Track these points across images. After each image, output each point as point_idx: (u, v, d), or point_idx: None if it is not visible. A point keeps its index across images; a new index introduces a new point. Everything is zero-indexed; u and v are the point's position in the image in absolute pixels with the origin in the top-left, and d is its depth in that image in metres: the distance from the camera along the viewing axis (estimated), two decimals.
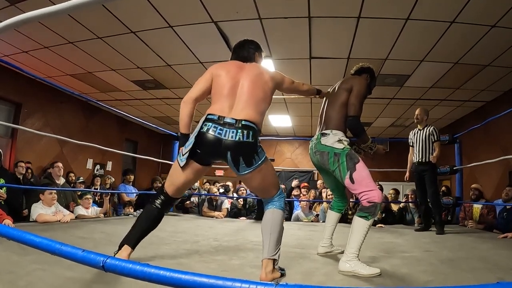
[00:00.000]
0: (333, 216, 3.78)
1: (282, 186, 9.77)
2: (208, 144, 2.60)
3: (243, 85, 2.78)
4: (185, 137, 2.79)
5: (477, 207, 7.08)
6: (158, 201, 2.84)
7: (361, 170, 3.05)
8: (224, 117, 2.62)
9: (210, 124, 2.61)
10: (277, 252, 2.64)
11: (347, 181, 3.07)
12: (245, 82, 2.80)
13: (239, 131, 2.58)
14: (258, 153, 2.66)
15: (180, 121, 2.88)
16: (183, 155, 2.66)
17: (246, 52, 3.11)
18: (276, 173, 2.95)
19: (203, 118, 2.66)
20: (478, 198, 7.05)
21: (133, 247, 2.76)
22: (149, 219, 2.83)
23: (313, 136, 3.56)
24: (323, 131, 3.39)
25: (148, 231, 2.84)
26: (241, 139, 2.57)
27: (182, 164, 2.66)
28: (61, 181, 7.09)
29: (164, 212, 2.89)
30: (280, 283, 0.90)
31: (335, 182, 3.61)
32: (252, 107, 2.71)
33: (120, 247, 2.76)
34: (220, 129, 2.58)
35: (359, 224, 2.93)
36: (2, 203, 5.63)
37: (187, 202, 8.82)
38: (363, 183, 3.00)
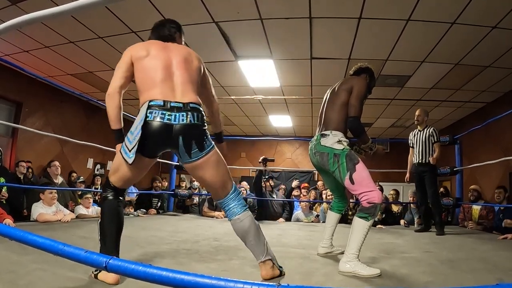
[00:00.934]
0: (333, 216, 3.78)
1: (282, 186, 9.82)
2: (157, 133, 2.41)
3: (177, 67, 2.62)
4: (120, 132, 2.62)
5: (476, 208, 7.09)
6: (110, 193, 2.59)
7: (361, 171, 3.04)
8: (169, 101, 2.45)
9: (156, 110, 2.41)
10: (267, 250, 2.59)
11: (347, 182, 3.07)
12: (176, 62, 2.64)
13: (189, 113, 2.45)
14: (208, 136, 2.57)
15: (109, 117, 2.61)
16: (129, 150, 2.43)
17: (167, 30, 2.91)
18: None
19: (144, 106, 2.45)
20: (477, 199, 7.06)
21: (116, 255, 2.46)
22: (114, 214, 2.55)
23: (313, 136, 3.56)
24: (323, 132, 3.39)
25: (120, 229, 2.56)
26: (192, 121, 2.44)
27: (130, 161, 2.42)
28: (59, 180, 7.08)
29: (121, 200, 2.65)
30: (282, 284, 0.90)
31: (335, 182, 3.61)
32: (193, 89, 2.61)
33: None
34: (169, 115, 2.41)
35: (359, 224, 2.94)
36: (4, 202, 5.64)
37: (187, 199, 8.83)
38: (363, 183, 3.00)
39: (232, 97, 10.42)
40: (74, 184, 8.19)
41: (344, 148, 3.18)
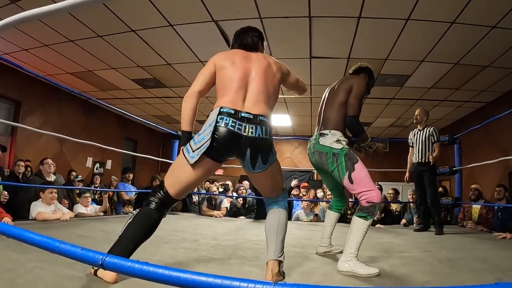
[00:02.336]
0: (332, 216, 3.78)
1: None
2: (226, 139, 2.37)
3: (254, 78, 2.61)
4: (188, 135, 2.54)
5: (476, 207, 7.09)
6: (156, 202, 2.45)
7: (360, 170, 3.04)
8: (240, 111, 2.43)
9: (227, 118, 2.38)
10: (283, 253, 2.58)
11: (345, 181, 3.07)
12: (255, 74, 2.63)
13: (258, 127, 2.43)
14: (273, 149, 2.60)
15: (182, 118, 2.57)
16: (193, 150, 2.37)
17: (250, 39, 2.93)
18: None
19: (215, 111, 2.42)
20: (478, 198, 7.05)
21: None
22: (146, 225, 2.43)
23: (312, 136, 3.56)
24: (322, 131, 3.38)
25: (144, 239, 2.44)
26: (261, 135, 2.44)
27: (193, 160, 2.35)
28: (52, 178, 7.06)
29: (163, 216, 2.52)
30: (279, 281, 0.90)
31: (334, 182, 3.61)
32: (265, 101, 2.57)
33: None
34: (239, 124, 2.39)
35: (358, 224, 2.93)
36: (4, 202, 5.64)
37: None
38: (362, 183, 3.00)
39: None
40: (73, 183, 8.17)
41: (343, 148, 3.17)
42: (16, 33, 6.87)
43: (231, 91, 2.50)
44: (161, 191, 2.46)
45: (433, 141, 6.21)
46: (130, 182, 9.30)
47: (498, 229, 6.04)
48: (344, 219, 7.11)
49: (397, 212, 8.07)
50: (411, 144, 6.55)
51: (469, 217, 7.13)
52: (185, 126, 2.56)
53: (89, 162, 12.24)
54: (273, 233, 2.60)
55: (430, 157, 6.11)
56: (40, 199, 5.63)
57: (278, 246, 2.55)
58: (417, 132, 6.42)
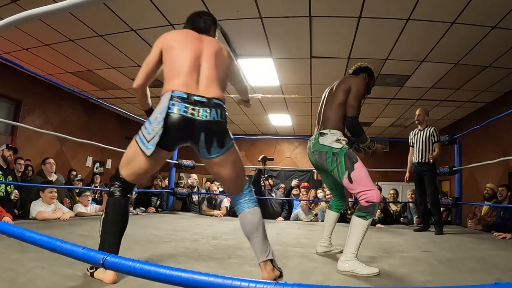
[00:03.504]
0: (331, 215, 3.78)
1: (282, 185, 9.81)
2: (179, 127, 2.30)
3: (206, 59, 2.53)
4: (151, 110, 2.54)
5: (485, 207, 7.07)
6: (119, 190, 2.44)
7: (360, 170, 3.04)
8: (193, 94, 2.34)
9: (179, 103, 2.30)
10: (269, 250, 2.50)
11: (345, 181, 3.06)
12: (207, 55, 2.55)
13: (213, 110, 2.36)
14: (229, 133, 2.49)
15: (139, 103, 2.83)
16: (148, 141, 2.32)
17: (203, 22, 2.84)
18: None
19: (166, 96, 2.34)
20: (492, 197, 7.02)
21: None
22: (120, 214, 2.40)
23: (312, 135, 3.55)
24: (321, 131, 3.37)
25: (123, 229, 2.41)
26: (216, 118, 2.36)
27: (149, 152, 2.31)
28: (53, 177, 7.06)
29: (129, 198, 2.51)
30: (279, 281, 0.90)
31: (334, 181, 3.61)
32: (218, 84, 2.50)
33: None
34: (192, 109, 2.31)
35: (358, 223, 2.93)
36: (14, 200, 5.67)
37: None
38: (361, 182, 2.99)
39: (231, 95, 10.41)
40: (72, 182, 8.17)
41: (342, 147, 3.17)
42: (16, 33, 6.87)
43: (182, 74, 2.42)
44: (119, 180, 2.46)
45: (433, 141, 6.21)
46: None
47: (499, 228, 6.03)
48: (344, 219, 7.11)
49: (397, 213, 8.06)
50: (411, 144, 6.54)
51: (479, 215, 7.11)
52: (145, 107, 2.83)
53: (89, 161, 12.25)
54: (252, 236, 2.52)
55: (430, 156, 6.11)
56: (40, 198, 5.64)
57: (261, 247, 2.49)
58: (418, 132, 6.41)
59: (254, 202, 2.62)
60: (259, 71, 8.52)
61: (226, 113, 2.50)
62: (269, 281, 0.94)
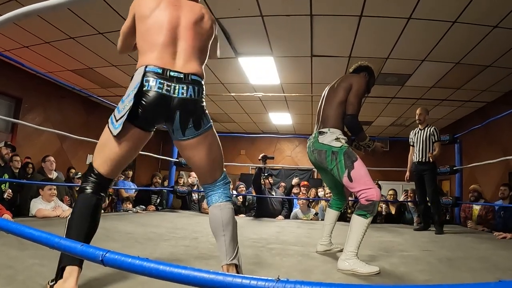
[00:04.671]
0: (332, 214, 3.78)
1: (282, 183, 9.79)
2: (153, 104, 2.09)
3: (185, 29, 2.28)
4: None
5: (476, 208, 7.08)
6: (90, 186, 2.13)
7: (359, 169, 3.03)
8: (169, 69, 2.13)
9: (154, 78, 2.09)
10: (236, 254, 2.29)
11: (345, 179, 3.06)
12: (186, 25, 2.29)
13: (190, 86, 2.16)
14: (206, 114, 2.29)
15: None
16: (117, 120, 2.08)
17: None
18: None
19: (140, 71, 2.14)
20: (478, 199, 7.04)
21: (80, 264, 1.98)
22: (88, 214, 2.07)
23: (312, 134, 3.55)
24: (321, 130, 3.38)
25: (92, 229, 2.11)
26: (193, 96, 2.16)
27: (116, 131, 2.06)
28: (54, 175, 7.06)
29: (102, 199, 2.20)
30: (281, 279, 0.90)
31: (333, 180, 3.61)
32: (197, 58, 2.29)
33: (58, 273, 1.94)
34: (168, 85, 2.10)
35: (358, 222, 2.94)
36: (7, 199, 5.66)
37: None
38: (361, 181, 2.99)
39: (232, 94, 10.43)
40: (72, 180, 8.17)
41: (342, 146, 3.17)
42: (16, 30, 6.86)
43: (158, 46, 2.20)
44: (92, 173, 2.17)
45: (433, 140, 6.21)
46: (129, 179, 9.30)
47: (499, 228, 6.03)
48: (344, 217, 7.12)
49: (395, 214, 8.06)
50: (411, 144, 6.55)
51: (470, 217, 7.13)
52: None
53: (90, 159, 12.23)
54: (219, 234, 2.30)
55: (430, 155, 6.11)
56: (40, 196, 5.64)
57: (228, 248, 2.26)
58: (418, 132, 6.42)
59: (227, 197, 2.39)
60: (260, 70, 8.52)
61: (204, 92, 2.29)
62: (270, 278, 0.93)
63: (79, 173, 8.38)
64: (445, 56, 7.19)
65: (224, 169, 2.46)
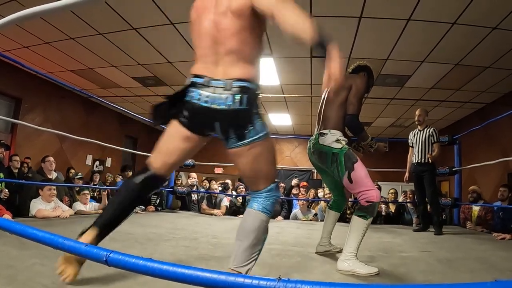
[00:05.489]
0: (331, 215, 3.78)
1: (282, 184, 9.76)
2: (195, 114, 2.07)
3: (221, 24, 2.05)
4: None
5: (475, 209, 7.09)
6: (138, 175, 2.26)
7: (359, 170, 3.02)
8: (211, 78, 2.03)
9: (195, 90, 2.05)
10: (247, 264, 2.12)
11: (345, 181, 3.06)
12: (221, 19, 2.06)
13: (230, 96, 1.99)
14: (255, 123, 2.06)
15: None
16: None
17: None
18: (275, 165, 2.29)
19: (188, 81, 2.13)
20: (476, 200, 7.04)
21: (101, 227, 2.21)
22: (126, 196, 2.21)
23: (312, 135, 3.55)
24: (321, 131, 3.37)
25: (124, 213, 2.24)
26: (233, 106, 1.99)
27: (154, 124, 2.17)
28: (53, 175, 7.06)
29: (144, 192, 2.30)
30: (283, 278, 0.91)
31: (334, 181, 3.61)
32: (241, 57, 2.06)
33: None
34: (207, 96, 2.01)
35: (358, 223, 2.94)
36: (4, 199, 5.65)
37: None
38: (361, 182, 2.99)
39: None
40: (72, 181, 8.17)
41: (342, 147, 3.16)
42: (16, 30, 6.88)
43: (200, 51, 2.15)
44: (145, 166, 2.27)
45: (433, 141, 6.22)
46: None
47: (498, 228, 6.04)
48: (343, 218, 7.12)
49: (395, 214, 8.05)
50: (411, 144, 6.55)
51: (470, 218, 7.13)
52: None
53: (89, 159, 12.25)
54: (237, 238, 2.16)
55: (429, 155, 6.11)
56: (40, 196, 5.64)
57: (239, 254, 2.11)
58: (417, 133, 6.42)
59: (265, 208, 2.15)
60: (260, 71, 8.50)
61: (253, 98, 2.06)
62: (272, 277, 0.94)
63: (79, 174, 8.40)
64: (444, 57, 7.21)
65: (273, 183, 2.22)
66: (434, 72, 8.00)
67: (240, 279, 0.94)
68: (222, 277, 0.94)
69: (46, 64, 8.74)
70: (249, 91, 2.03)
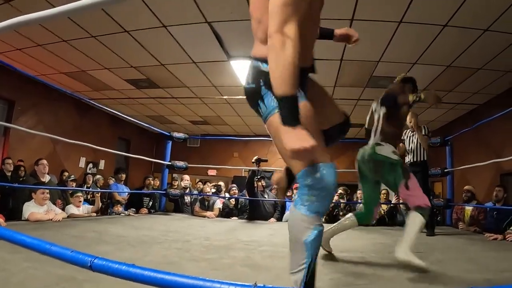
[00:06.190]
0: (351, 222, 3.79)
1: (275, 186, 9.74)
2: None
3: (252, 5, 2.09)
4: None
5: (468, 209, 7.12)
6: None
7: (413, 180, 3.48)
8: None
9: None
10: (295, 273, 1.72)
11: (401, 188, 3.42)
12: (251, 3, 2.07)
13: (248, 74, 1.98)
14: (264, 99, 1.87)
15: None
16: None
17: None
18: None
19: None
20: (470, 199, 7.07)
21: None
22: None
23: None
24: (378, 142, 3.63)
25: None
26: (248, 84, 1.96)
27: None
28: (46, 178, 7.05)
29: None
30: (258, 284, 0.92)
31: (373, 194, 3.79)
32: (259, 35, 2.01)
33: None
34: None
35: (418, 219, 3.21)
36: None
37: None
38: (417, 189, 3.43)
39: (225, 97, 10.44)
40: (66, 183, 8.16)
41: (399, 159, 3.52)
42: (9, 33, 6.85)
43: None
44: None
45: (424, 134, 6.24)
46: (122, 182, 9.29)
47: (492, 228, 6.06)
48: (335, 219, 7.17)
49: (385, 213, 8.05)
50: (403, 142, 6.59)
51: (462, 218, 7.16)
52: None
53: (82, 162, 12.23)
54: (290, 239, 1.78)
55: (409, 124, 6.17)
56: (33, 199, 5.62)
57: (291, 257, 1.76)
58: (411, 135, 6.44)
59: (297, 202, 1.74)
60: None
61: (260, 73, 1.90)
62: (248, 284, 0.94)
63: (72, 176, 8.38)
64: (436, 59, 7.25)
65: (307, 166, 1.72)
66: (426, 74, 8.03)
67: (217, 285, 0.95)
68: (200, 282, 0.95)
69: (39, 67, 8.72)
70: (256, 68, 1.95)
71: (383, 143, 3.59)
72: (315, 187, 1.69)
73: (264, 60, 1.81)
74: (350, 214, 3.89)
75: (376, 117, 3.90)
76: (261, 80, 1.87)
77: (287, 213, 8.19)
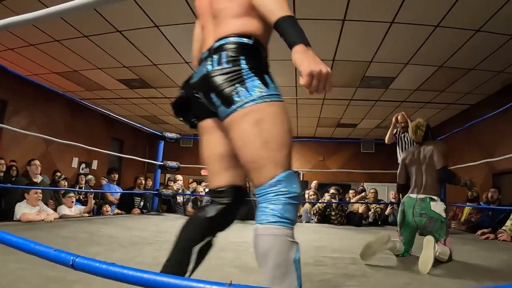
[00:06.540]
0: (396, 246, 3.87)
1: None
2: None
3: None
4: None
5: (468, 208, 7.17)
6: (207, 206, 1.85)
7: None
8: (203, 52, 1.72)
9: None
10: None
11: (441, 242, 3.62)
12: None
13: (209, 59, 1.61)
14: (245, 81, 1.53)
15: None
16: None
17: None
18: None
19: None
20: (475, 199, 7.15)
21: None
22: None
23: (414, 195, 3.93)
24: (431, 196, 3.78)
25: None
26: (210, 68, 1.59)
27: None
28: (38, 179, 7.02)
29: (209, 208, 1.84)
30: (234, 283, 0.92)
31: (412, 239, 3.97)
32: (230, 15, 1.67)
33: None
34: (193, 74, 1.75)
35: (448, 252, 3.59)
36: None
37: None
38: (450, 242, 3.72)
39: None
40: (57, 183, 8.14)
41: (446, 217, 3.77)
42: (1, 33, 6.83)
43: (202, 25, 1.88)
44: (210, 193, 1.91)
45: None
46: (115, 182, 9.28)
47: (486, 225, 6.13)
48: (328, 220, 7.21)
49: (378, 214, 8.06)
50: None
51: (460, 216, 7.21)
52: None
53: (75, 162, 12.19)
54: (259, 266, 1.43)
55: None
56: (25, 200, 5.60)
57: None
58: (402, 133, 6.48)
59: (273, 215, 1.39)
60: None
61: (236, 53, 1.59)
62: (223, 282, 0.93)
63: (62, 176, 8.35)
64: (428, 60, 7.28)
65: (284, 171, 1.48)
66: (419, 74, 8.07)
67: (193, 284, 0.95)
68: (178, 281, 0.96)
69: (31, 67, 8.70)
70: (229, 48, 1.60)
71: (435, 197, 3.76)
72: (295, 194, 1.45)
73: (246, 35, 1.64)
74: (396, 241, 3.89)
75: (413, 170, 4.12)
76: (243, 59, 1.58)
77: None
